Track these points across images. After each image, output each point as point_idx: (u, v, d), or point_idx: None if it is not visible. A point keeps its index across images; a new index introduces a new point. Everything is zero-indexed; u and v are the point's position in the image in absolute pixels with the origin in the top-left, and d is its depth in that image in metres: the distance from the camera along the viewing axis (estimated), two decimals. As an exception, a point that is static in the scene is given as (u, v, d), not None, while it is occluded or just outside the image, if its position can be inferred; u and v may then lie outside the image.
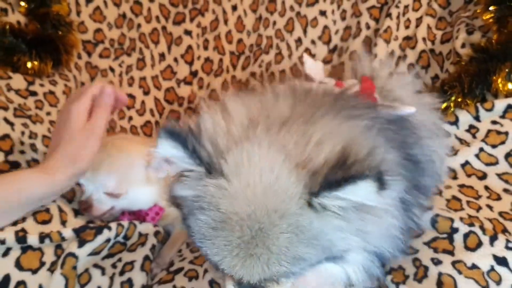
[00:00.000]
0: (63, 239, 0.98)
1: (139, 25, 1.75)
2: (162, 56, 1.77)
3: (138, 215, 1.17)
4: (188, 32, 1.79)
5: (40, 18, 1.49)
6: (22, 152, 1.15)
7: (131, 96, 1.69)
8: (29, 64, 1.38)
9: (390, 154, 0.66)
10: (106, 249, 1.02)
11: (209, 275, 1.00)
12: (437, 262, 0.98)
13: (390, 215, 0.63)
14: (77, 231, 0.99)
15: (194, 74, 1.79)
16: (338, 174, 0.54)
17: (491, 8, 1.41)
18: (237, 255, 0.58)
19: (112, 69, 1.69)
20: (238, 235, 0.57)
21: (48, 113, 1.34)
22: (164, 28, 1.78)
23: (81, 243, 0.98)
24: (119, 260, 1.04)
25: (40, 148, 1.22)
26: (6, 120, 1.17)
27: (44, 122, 1.30)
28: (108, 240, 1.01)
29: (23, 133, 1.19)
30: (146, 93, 1.72)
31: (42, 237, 0.96)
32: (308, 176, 0.57)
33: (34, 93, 1.34)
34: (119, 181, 1.10)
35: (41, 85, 1.38)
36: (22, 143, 1.17)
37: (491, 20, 1.41)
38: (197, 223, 0.60)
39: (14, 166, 1.10)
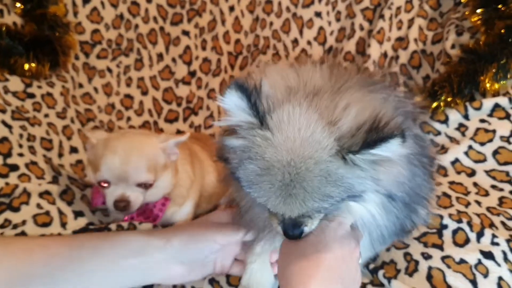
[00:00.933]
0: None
1: (136, 26, 1.77)
2: (160, 56, 1.80)
3: (146, 209, 1.18)
4: (186, 33, 1.81)
5: (37, 19, 1.50)
6: (20, 155, 1.17)
7: (129, 96, 1.72)
8: (26, 66, 1.39)
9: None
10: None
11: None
12: (427, 256, 1.03)
13: (398, 165, 0.75)
14: (78, 233, 1.02)
15: (192, 74, 1.81)
16: (375, 135, 0.67)
17: (479, 10, 1.45)
18: (280, 195, 0.71)
19: (110, 70, 1.72)
20: (280, 179, 0.70)
21: (46, 115, 1.37)
22: (162, 28, 1.80)
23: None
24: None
25: (39, 151, 1.24)
26: (4, 123, 1.20)
27: (42, 124, 1.32)
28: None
29: (21, 135, 1.21)
30: (144, 93, 1.75)
31: (44, 239, 0.99)
32: (340, 132, 0.70)
33: (31, 95, 1.36)
34: (149, 169, 1.10)
35: (39, 87, 1.40)
36: (20, 146, 1.19)
37: (478, 22, 1.44)
38: (246, 172, 0.72)
39: (13, 169, 1.13)
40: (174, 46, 1.81)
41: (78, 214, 1.13)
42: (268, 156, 0.70)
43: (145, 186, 1.11)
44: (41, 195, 1.10)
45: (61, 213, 1.09)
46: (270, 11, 1.85)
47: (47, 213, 1.06)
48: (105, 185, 1.09)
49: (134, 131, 1.41)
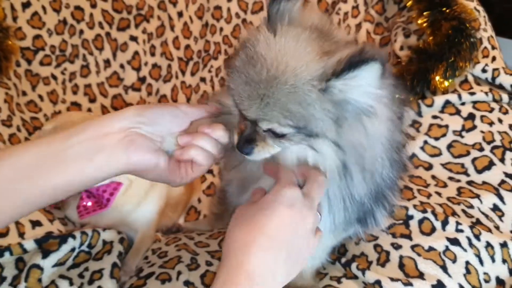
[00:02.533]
0: (24, 251, 0.94)
1: (81, 31, 1.71)
2: (107, 62, 1.74)
3: (97, 194, 1.13)
4: (134, 38, 1.77)
5: (-26, 24, 1.41)
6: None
7: (76, 104, 1.64)
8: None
9: None
10: (71, 259, 0.99)
11: (184, 276, 0.99)
12: (397, 246, 1.06)
13: (362, 133, 0.76)
14: (39, 242, 0.96)
15: (142, 80, 1.77)
16: (357, 58, 0.68)
17: (425, 13, 1.52)
18: (250, 90, 0.72)
19: (54, 77, 1.64)
20: (258, 73, 0.71)
21: (-9, 123, 1.28)
22: (108, 34, 1.74)
23: (45, 253, 0.94)
24: (86, 269, 1.00)
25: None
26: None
27: (-11, 131, 1.23)
28: (73, 250, 0.99)
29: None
30: (92, 100, 1.68)
31: (1, 251, 0.92)
32: (329, 61, 0.71)
33: (-25, 102, 1.27)
34: None
35: (-18, 93, 1.31)
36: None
37: (425, 24, 1.51)
38: (237, 60, 0.75)
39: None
40: (121, 52, 1.76)
41: (35, 223, 1.05)
42: (258, 50, 0.73)
43: None
44: (-6, 204, 1.02)
45: (17, 222, 1.01)
46: (219, 17, 1.86)
47: (3, 223, 0.98)
48: None
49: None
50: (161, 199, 1.23)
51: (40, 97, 1.58)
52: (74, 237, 0.99)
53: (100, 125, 0.74)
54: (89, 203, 1.13)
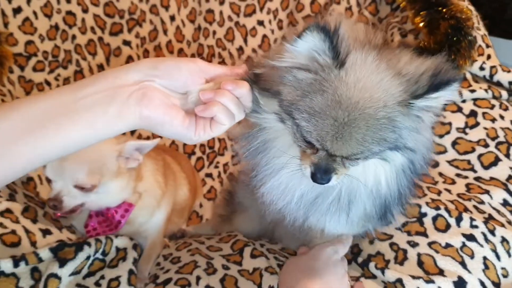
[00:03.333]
0: (40, 260, 0.91)
1: (74, 36, 1.67)
2: (100, 67, 1.70)
3: (107, 214, 1.10)
4: (127, 43, 1.73)
5: (-34, 30, 1.37)
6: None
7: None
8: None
9: None
10: (86, 267, 0.96)
11: (204, 281, 0.97)
12: (413, 244, 1.06)
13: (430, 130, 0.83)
14: (55, 250, 0.92)
15: (136, 85, 1.73)
16: (440, 78, 0.71)
17: (421, 13, 1.53)
18: (339, 132, 0.72)
19: (48, 83, 1.59)
20: (346, 116, 0.71)
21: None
22: (100, 39, 1.71)
23: (62, 262, 0.91)
24: (102, 277, 0.97)
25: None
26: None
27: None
28: (88, 257, 0.95)
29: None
30: (87, 106, 1.64)
31: (16, 261, 0.88)
32: (408, 82, 0.74)
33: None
34: (89, 172, 1.00)
35: (-22, 100, 1.26)
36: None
37: (422, 24, 1.53)
38: (311, 103, 0.73)
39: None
40: (115, 56, 1.73)
41: (45, 232, 1.02)
42: (340, 92, 0.72)
43: (84, 189, 1.02)
44: (2, 213, 0.98)
45: (27, 231, 0.98)
46: (212, 20, 1.84)
47: (14, 232, 0.95)
48: (49, 182, 1.03)
49: None
50: (169, 205, 1.20)
51: (35, 104, 1.53)
52: (89, 244, 0.96)
53: (114, 76, 0.72)
54: (97, 224, 1.10)
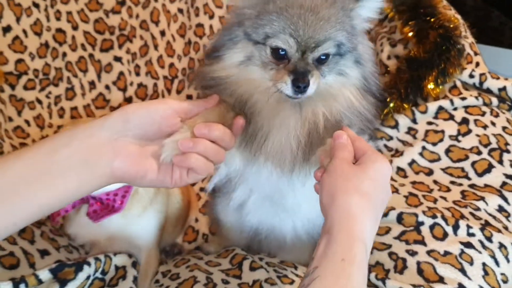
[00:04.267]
0: (40, 282, 0.90)
1: (64, 54, 1.66)
2: (92, 84, 1.70)
3: (106, 199, 1.09)
4: (118, 59, 1.73)
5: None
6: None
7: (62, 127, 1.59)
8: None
9: None
10: (86, 287, 0.95)
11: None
12: (412, 253, 1.07)
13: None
14: (55, 271, 0.92)
15: (128, 100, 1.74)
16: None
17: (410, 23, 1.56)
18: (307, 16, 0.84)
19: (39, 101, 1.59)
20: (310, 2, 0.85)
21: (-16, 148, 1.23)
22: (91, 55, 1.71)
23: (62, 283, 0.90)
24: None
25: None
26: None
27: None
28: (88, 277, 0.95)
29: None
30: (79, 123, 1.63)
31: (16, 283, 0.87)
32: None
33: (-35, 129, 1.22)
34: None
35: (-30, 120, 1.26)
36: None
37: (410, 34, 1.55)
38: (274, 4, 0.86)
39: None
40: (106, 73, 1.73)
41: (43, 252, 1.02)
42: None
43: None
44: (-2, 235, 0.97)
45: (26, 253, 0.97)
46: (202, 34, 1.86)
47: (12, 253, 0.94)
48: None
49: None
50: (161, 213, 1.20)
51: (27, 122, 1.52)
52: (89, 264, 0.95)
53: (88, 135, 0.73)
54: (99, 209, 1.10)
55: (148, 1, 1.80)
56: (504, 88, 1.44)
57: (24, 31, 1.59)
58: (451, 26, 1.51)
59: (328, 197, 0.76)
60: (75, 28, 1.69)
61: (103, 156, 0.72)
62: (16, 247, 0.96)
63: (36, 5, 1.61)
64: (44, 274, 0.90)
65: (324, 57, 0.88)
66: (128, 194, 1.09)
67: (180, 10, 1.86)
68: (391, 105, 1.42)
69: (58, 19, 1.66)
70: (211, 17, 1.86)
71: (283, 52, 0.86)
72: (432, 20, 1.51)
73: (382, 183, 0.78)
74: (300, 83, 0.83)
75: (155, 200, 1.18)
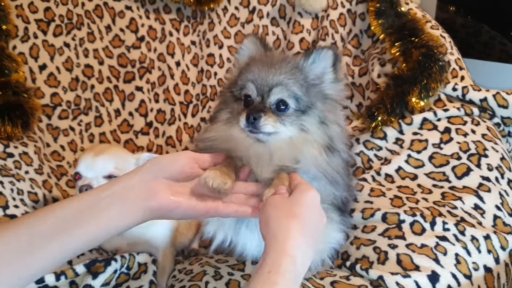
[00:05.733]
0: (76, 274, 1.09)
1: (92, 86, 1.88)
2: (117, 112, 1.91)
3: None
4: (139, 88, 1.95)
5: (2, 86, 1.55)
6: (16, 206, 1.26)
7: (93, 151, 1.80)
8: (2, 129, 1.46)
9: None
10: (114, 279, 1.14)
11: (211, 285, 1.15)
12: (393, 246, 1.21)
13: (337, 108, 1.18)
14: (88, 266, 1.11)
15: (149, 124, 1.95)
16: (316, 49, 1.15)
17: (397, 44, 1.72)
18: (267, 69, 1.09)
19: (72, 128, 1.80)
20: (270, 61, 1.12)
21: (27, 172, 1.44)
22: (116, 86, 1.93)
23: (95, 275, 1.09)
24: (127, 287, 1.15)
25: (29, 203, 1.33)
26: (-5, 179, 1.27)
27: (26, 180, 1.39)
28: (115, 271, 1.14)
29: (12, 190, 1.30)
30: (107, 147, 1.85)
31: (58, 275, 1.07)
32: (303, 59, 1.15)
33: (11, 155, 1.43)
34: (116, 166, 1.25)
35: (15, 147, 1.46)
36: (13, 198, 1.27)
37: (397, 53, 1.71)
38: (249, 66, 1.14)
39: (13, 218, 1.21)
40: (129, 101, 1.94)
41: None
42: (264, 59, 1.14)
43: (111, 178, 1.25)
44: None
45: (64, 254, 1.16)
46: (213, 63, 2.06)
47: (53, 254, 1.13)
48: (78, 177, 1.27)
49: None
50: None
51: (62, 147, 1.74)
52: (116, 260, 1.14)
53: (126, 179, 0.92)
54: None
55: (164, 36, 2.03)
56: (485, 99, 1.57)
57: (57, 68, 1.82)
58: (434, 44, 1.66)
59: (264, 224, 0.89)
60: (101, 63, 1.92)
61: (140, 195, 0.88)
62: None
63: (67, 45, 1.84)
64: (80, 268, 1.10)
65: (283, 107, 1.08)
66: None
67: (193, 42, 2.08)
68: (379, 118, 1.57)
69: (86, 56, 1.89)
70: (221, 47, 2.06)
71: (250, 99, 1.09)
72: (416, 40, 1.67)
73: (312, 208, 0.92)
74: (251, 115, 1.03)
75: None
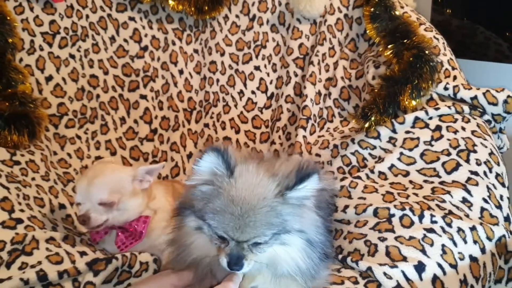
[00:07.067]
0: (78, 272, 1.16)
1: (98, 96, 1.95)
2: (122, 119, 1.98)
3: (130, 229, 1.35)
4: (143, 96, 2.02)
5: (9, 98, 1.63)
6: (21, 210, 1.32)
7: (100, 157, 1.87)
8: (9, 138, 1.54)
9: None
10: (115, 277, 1.21)
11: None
12: (383, 239, 1.26)
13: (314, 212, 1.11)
14: (90, 264, 1.18)
15: (154, 131, 2.01)
16: (302, 173, 1.01)
17: (389, 46, 1.77)
18: (237, 223, 0.98)
19: (78, 137, 1.88)
20: (239, 210, 0.98)
21: (33, 179, 1.51)
22: (121, 95, 2.00)
23: (96, 272, 1.16)
24: (129, 284, 1.22)
25: (35, 208, 1.39)
26: (2, 185, 1.35)
27: (32, 186, 1.47)
28: (116, 269, 1.20)
29: (18, 195, 1.37)
30: (113, 153, 1.92)
31: (61, 273, 1.13)
32: (279, 179, 1.03)
33: (17, 163, 1.50)
34: (110, 192, 1.30)
35: (22, 155, 1.54)
36: (19, 203, 1.34)
37: (391, 55, 1.76)
38: (213, 206, 1.00)
39: (19, 222, 1.27)
40: (134, 109, 2.01)
41: (82, 253, 1.27)
42: (232, 193, 0.99)
43: (108, 205, 1.31)
44: (47, 240, 1.24)
45: (68, 253, 1.23)
46: (215, 70, 2.12)
47: (57, 253, 1.20)
48: (79, 205, 1.32)
49: (111, 161, 1.61)
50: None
51: (69, 155, 1.82)
52: (117, 258, 1.21)
53: None
54: (124, 239, 1.36)
55: (167, 45, 2.10)
56: (475, 97, 1.60)
57: (63, 79, 1.89)
58: (426, 46, 1.71)
59: None
60: (106, 73, 1.99)
61: None
62: (61, 249, 1.22)
63: (72, 56, 1.92)
64: (82, 266, 1.16)
65: (260, 241, 1.01)
66: (146, 225, 1.37)
67: (196, 51, 2.15)
68: (372, 118, 1.62)
69: (91, 66, 1.96)
70: (222, 54, 2.12)
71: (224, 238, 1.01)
72: (407, 42, 1.72)
73: None
74: (232, 266, 1.00)
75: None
